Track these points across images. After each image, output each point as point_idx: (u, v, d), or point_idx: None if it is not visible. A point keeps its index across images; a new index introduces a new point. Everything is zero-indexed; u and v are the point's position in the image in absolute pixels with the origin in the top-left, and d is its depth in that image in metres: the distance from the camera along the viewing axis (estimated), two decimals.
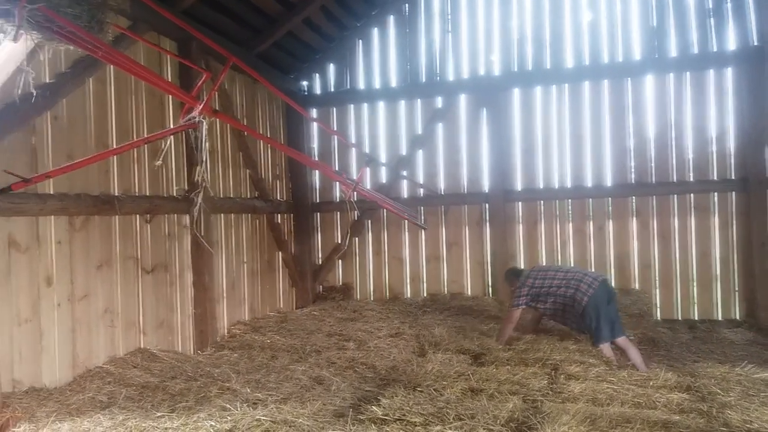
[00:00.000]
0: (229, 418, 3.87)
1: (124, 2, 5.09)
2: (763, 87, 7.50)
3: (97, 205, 5.21)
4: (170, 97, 6.26)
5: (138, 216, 5.81)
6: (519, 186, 8.51)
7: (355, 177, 5.99)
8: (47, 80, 4.81)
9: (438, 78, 8.88)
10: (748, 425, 3.36)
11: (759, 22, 7.64)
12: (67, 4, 2.95)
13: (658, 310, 7.86)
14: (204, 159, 3.85)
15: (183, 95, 3.93)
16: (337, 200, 9.13)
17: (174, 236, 6.28)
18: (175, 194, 6.27)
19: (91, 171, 5.25)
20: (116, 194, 5.50)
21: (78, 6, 3.02)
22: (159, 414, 4.08)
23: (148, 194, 5.94)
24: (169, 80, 5.99)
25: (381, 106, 9.09)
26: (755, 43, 7.64)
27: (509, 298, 6.59)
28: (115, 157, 5.53)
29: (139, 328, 5.74)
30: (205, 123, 3.79)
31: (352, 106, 9.18)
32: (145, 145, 5.87)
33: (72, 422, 3.93)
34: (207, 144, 4.77)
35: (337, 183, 8.87)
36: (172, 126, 5.89)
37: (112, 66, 5.40)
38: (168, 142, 4.29)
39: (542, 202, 8.42)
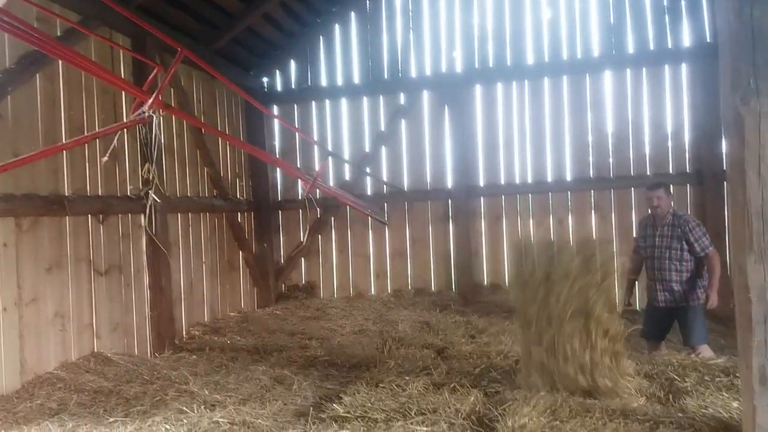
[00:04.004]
0: (185, 421, 3.77)
1: None
2: (716, 83, 7.63)
3: (46, 206, 5.02)
4: (123, 94, 6.08)
5: (91, 216, 5.62)
6: (482, 182, 8.55)
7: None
8: None
9: (401, 75, 8.85)
10: (703, 410, 3.42)
11: (713, 20, 7.82)
12: None
13: (617, 297, 7.96)
14: (155, 155, 3.73)
15: (133, 89, 3.81)
16: (300, 198, 9.02)
17: (129, 237, 6.10)
18: (129, 194, 6.09)
19: (40, 170, 5.05)
20: (67, 194, 5.31)
21: None
22: (112, 419, 3.96)
23: (101, 194, 5.76)
24: (123, 77, 5.81)
25: (344, 103, 9.01)
26: (709, 40, 7.82)
27: (648, 215, 5.52)
28: (65, 155, 5.35)
29: (93, 332, 5.55)
30: (155, 118, 3.67)
31: (314, 103, 9.08)
32: (98, 144, 5.70)
33: (19, 431, 3.77)
34: (161, 140, 4.65)
35: (300, 180, 8.78)
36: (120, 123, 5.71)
37: (61, 62, 5.23)
38: (117, 138, 4.15)
39: (504, 197, 8.48)
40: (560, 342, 3.83)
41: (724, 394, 3.69)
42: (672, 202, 5.44)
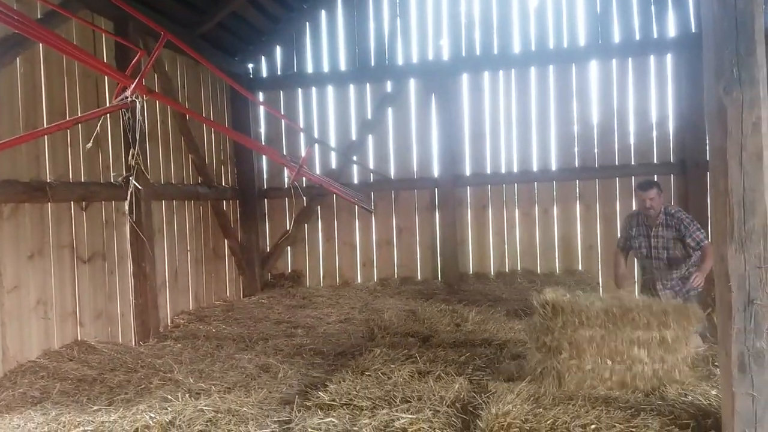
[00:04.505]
0: (170, 409, 3.75)
1: None
2: (700, 73, 7.69)
3: (27, 192, 4.95)
4: (106, 78, 5.99)
5: (73, 203, 5.55)
6: (468, 171, 8.56)
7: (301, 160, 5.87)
8: None
9: (387, 62, 8.80)
10: (683, 398, 3.47)
11: (698, 10, 7.85)
12: None
13: (602, 288, 8.06)
14: (137, 141, 3.68)
15: (115, 74, 3.74)
16: (286, 186, 8.97)
17: (113, 224, 6.04)
18: (113, 180, 6.02)
19: (21, 156, 4.97)
20: (49, 180, 5.23)
21: None
22: (95, 408, 3.93)
23: (83, 180, 5.68)
24: (106, 61, 5.72)
25: (330, 90, 8.95)
26: (694, 30, 7.86)
27: (640, 210, 5.50)
28: (47, 141, 5.26)
29: (76, 320, 5.50)
30: (138, 103, 3.62)
31: (300, 89, 9.01)
32: (80, 130, 5.62)
33: (1, 419, 3.74)
34: (144, 126, 4.59)
35: (286, 168, 8.73)
36: (102, 108, 5.63)
37: (42, 45, 5.13)
38: (100, 124, 4.09)
39: (490, 186, 8.51)
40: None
41: (703, 382, 3.76)
42: (663, 198, 5.42)
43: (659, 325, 3.81)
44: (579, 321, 3.79)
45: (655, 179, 6.15)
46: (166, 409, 3.75)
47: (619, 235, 5.93)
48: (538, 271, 8.32)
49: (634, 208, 7.89)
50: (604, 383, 3.80)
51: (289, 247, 9.05)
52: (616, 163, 8.14)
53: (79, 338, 5.47)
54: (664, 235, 5.26)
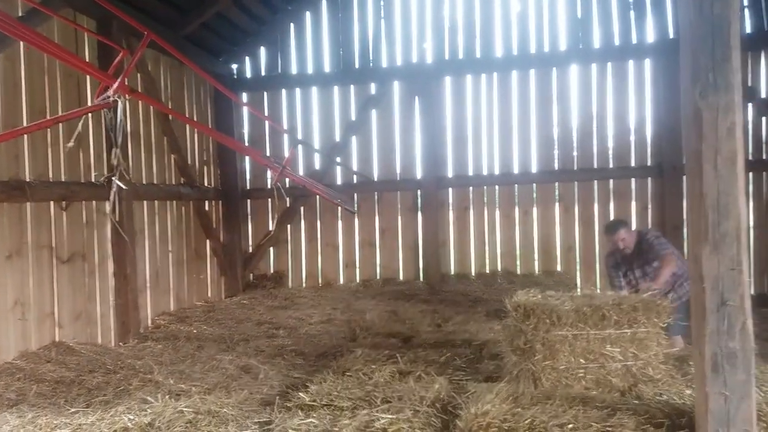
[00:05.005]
0: (149, 410, 3.72)
1: None
2: (678, 78, 7.81)
3: (6, 191, 4.89)
4: (88, 77, 5.94)
5: (53, 203, 5.49)
6: (450, 173, 8.62)
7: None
8: None
9: (372, 64, 8.82)
10: (658, 397, 3.54)
11: (676, 16, 8.00)
12: None
13: (579, 289, 8.15)
14: (119, 141, 3.66)
15: (97, 73, 3.72)
16: (269, 187, 8.95)
17: (93, 224, 5.99)
18: (94, 180, 5.97)
19: (0, 154, 4.91)
20: (28, 180, 5.18)
21: None
22: (73, 410, 3.89)
23: (64, 180, 5.63)
24: (88, 60, 5.67)
25: (314, 91, 8.95)
26: (672, 36, 7.99)
27: (611, 254, 5.65)
28: (26, 140, 5.21)
29: (54, 321, 5.44)
30: (121, 103, 3.60)
31: (284, 90, 8.99)
32: (61, 129, 5.57)
33: None
34: (126, 126, 4.56)
35: (268, 168, 8.71)
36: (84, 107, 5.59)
37: (23, 43, 5.08)
38: (82, 123, 4.04)
39: (472, 188, 8.57)
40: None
41: (678, 381, 3.83)
42: (634, 233, 5.51)
43: (630, 321, 3.90)
44: (551, 321, 3.86)
45: (619, 219, 6.26)
46: (146, 410, 3.72)
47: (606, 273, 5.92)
48: (518, 272, 8.40)
49: (612, 211, 8.10)
50: (579, 382, 3.86)
51: (271, 248, 9.02)
52: (595, 166, 8.25)
53: (57, 339, 5.41)
54: (643, 262, 5.37)
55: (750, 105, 7.60)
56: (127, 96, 3.61)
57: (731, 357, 2.83)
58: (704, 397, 2.89)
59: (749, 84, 7.56)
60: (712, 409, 2.85)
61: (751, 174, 7.55)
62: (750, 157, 7.56)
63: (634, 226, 8.01)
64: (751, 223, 7.50)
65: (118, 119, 3.66)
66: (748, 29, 7.83)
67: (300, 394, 3.89)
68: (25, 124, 5.17)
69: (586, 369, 3.88)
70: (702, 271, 2.89)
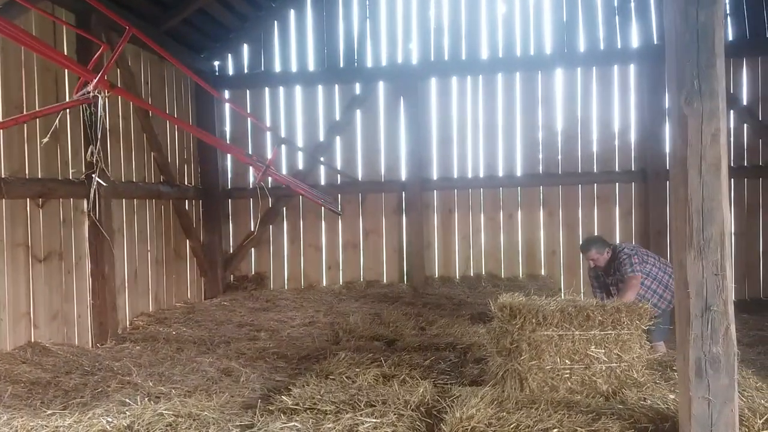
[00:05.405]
0: (128, 413, 3.65)
1: None
2: (662, 84, 7.95)
3: None
4: (66, 72, 5.83)
5: (29, 200, 5.36)
6: (435, 175, 8.60)
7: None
8: None
9: (356, 64, 8.77)
10: (642, 402, 3.54)
11: (660, 22, 8.08)
12: None
13: (563, 293, 8.19)
14: (99, 137, 3.57)
15: (77, 68, 3.63)
16: (251, 186, 8.86)
17: (70, 222, 5.86)
18: (71, 177, 5.85)
19: None
20: (3, 176, 5.05)
21: None
22: (49, 412, 3.80)
23: (40, 176, 5.50)
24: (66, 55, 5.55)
25: (298, 90, 8.87)
26: (656, 42, 8.07)
27: (592, 268, 5.76)
28: (1, 135, 5.07)
29: (30, 321, 5.31)
30: (101, 98, 3.51)
31: (267, 89, 8.90)
32: (38, 124, 5.44)
33: None
34: (105, 122, 4.46)
35: (251, 168, 8.61)
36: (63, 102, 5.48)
37: None
38: (59, 119, 3.97)
39: (457, 191, 8.57)
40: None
41: (662, 386, 3.84)
42: (607, 251, 5.55)
43: (614, 323, 3.93)
44: (536, 321, 3.88)
45: (592, 237, 6.22)
46: (124, 413, 3.65)
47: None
48: (502, 276, 8.41)
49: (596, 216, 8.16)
50: (565, 383, 3.86)
51: (252, 249, 8.92)
52: (579, 170, 8.30)
53: (32, 340, 5.29)
54: (619, 279, 5.42)
55: (731, 112, 7.69)
56: (107, 91, 3.53)
57: (715, 362, 2.85)
58: (688, 402, 2.89)
59: (731, 91, 7.66)
60: (695, 414, 2.86)
61: (732, 181, 7.65)
62: (731, 164, 7.66)
63: (617, 231, 8.12)
64: (732, 230, 7.59)
65: (98, 115, 3.58)
66: (730, 36, 7.93)
67: (282, 397, 3.83)
68: (0, 118, 5.04)
69: (572, 370, 3.89)
70: (686, 277, 2.90)
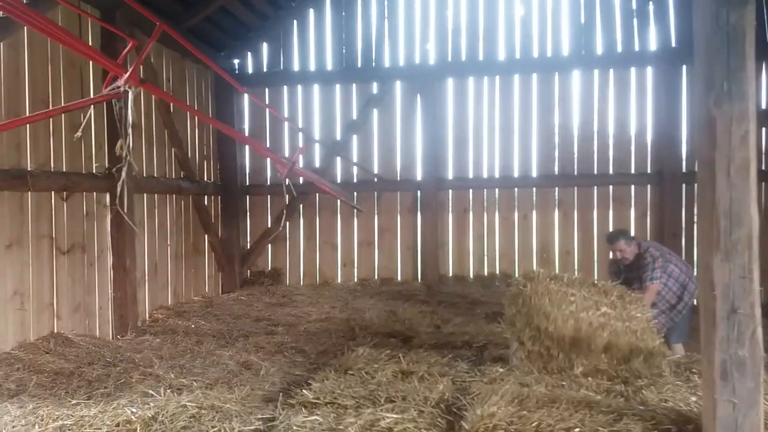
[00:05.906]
0: (152, 404, 3.70)
1: None
2: (679, 86, 7.94)
3: (7, 180, 4.85)
4: (91, 67, 5.91)
5: (54, 193, 5.45)
6: (450, 175, 8.62)
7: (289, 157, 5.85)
8: None
9: (374, 64, 8.80)
10: (663, 403, 3.55)
11: (678, 25, 8.06)
12: None
13: None
14: (129, 132, 3.63)
15: (109, 63, 3.68)
16: (269, 183, 8.93)
17: (93, 215, 5.95)
18: (95, 171, 5.92)
19: (1, 143, 4.87)
20: (29, 169, 5.13)
21: None
22: (74, 401, 3.85)
23: (65, 170, 5.59)
24: None
25: (316, 89, 8.93)
26: (674, 45, 8.05)
27: (614, 262, 5.78)
28: (28, 129, 5.15)
29: (53, 312, 5.40)
30: (131, 93, 3.57)
31: (285, 87, 8.96)
32: (63, 118, 5.52)
33: None
34: (133, 117, 4.52)
35: (269, 165, 8.67)
36: (92, 97, 5.55)
37: (27, 30, 5.03)
38: (89, 114, 4.02)
39: (472, 190, 8.58)
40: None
41: (683, 388, 3.84)
42: (635, 244, 5.51)
43: (618, 295, 4.51)
44: (553, 280, 4.44)
45: (620, 230, 6.33)
46: (148, 404, 3.70)
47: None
48: (516, 275, 8.40)
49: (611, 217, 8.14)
50: (586, 325, 4.21)
51: (269, 245, 8.99)
52: (595, 171, 8.29)
53: (55, 330, 5.37)
54: (643, 275, 5.39)
55: None
56: (135, 86, 3.58)
57: (740, 365, 2.84)
58: (712, 405, 2.89)
59: None
60: (720, 417, 2.86)
61: None
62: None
63: (632, 233, 8.07)
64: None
65: (128, 110, 3.63)
66: None
67: (303, 391, 3.86)
68: (27, 111, 5.13)
69: (590, 323, 4.24)
70: (713, 278, 2.89)
